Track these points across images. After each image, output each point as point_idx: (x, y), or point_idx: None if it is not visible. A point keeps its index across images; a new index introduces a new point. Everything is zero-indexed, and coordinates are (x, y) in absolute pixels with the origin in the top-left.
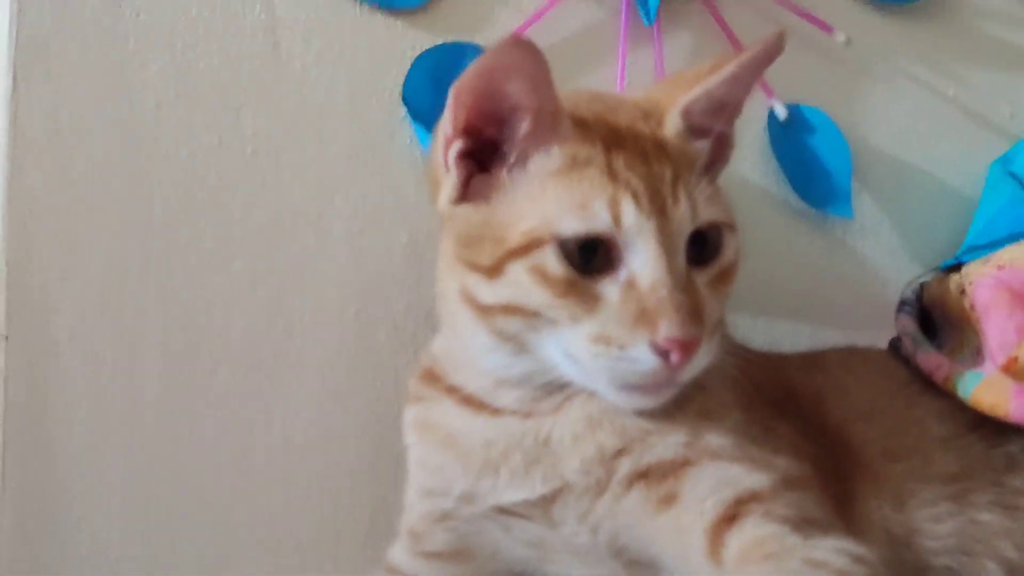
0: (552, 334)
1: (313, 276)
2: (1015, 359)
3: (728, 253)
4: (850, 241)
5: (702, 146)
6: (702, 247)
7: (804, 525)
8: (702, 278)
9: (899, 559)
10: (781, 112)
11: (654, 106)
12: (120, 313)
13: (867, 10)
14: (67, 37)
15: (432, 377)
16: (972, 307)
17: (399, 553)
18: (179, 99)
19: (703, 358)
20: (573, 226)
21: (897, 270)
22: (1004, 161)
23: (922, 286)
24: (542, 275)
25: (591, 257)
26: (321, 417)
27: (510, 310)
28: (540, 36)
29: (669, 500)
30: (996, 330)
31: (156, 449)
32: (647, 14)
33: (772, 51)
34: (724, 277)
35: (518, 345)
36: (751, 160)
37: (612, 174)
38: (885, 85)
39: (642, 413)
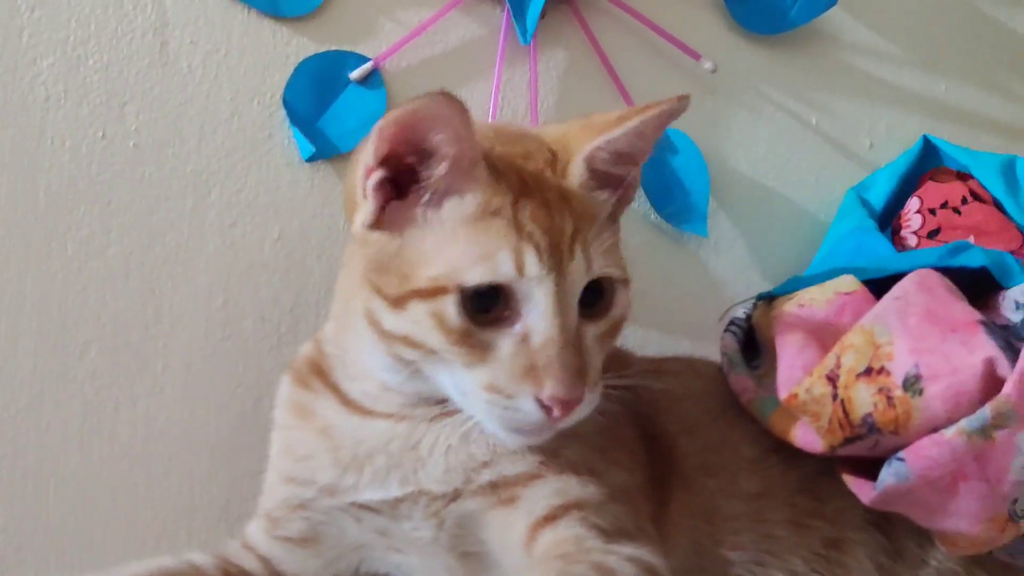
0: (446, 370)
1: (185, 265)
2: (795, 395)
3: (618, 308)
4: (703, 257)
5: (604, 196)
6: (595, 299)
7: (614, 534)
8: (592, 331)
9: (700, 567)
10: None
11: (563, 149)
12: (0, 292)
13: (736, 39)
14: None
15: (318, 370)
16: (774, 339)
17: (256, 532)
18: (68, 93)
19: (583, 411)
20: (476, 276)
21: (747, 287)
22: (860, 188)
23: (755, 305)
24: (440, 321)
25: (489, 306)
26: (184, 399)
27: (409, 342)
28: (421, 49)
29: (510, 501)
30: (785, 364)
31: (26, 424)
32: (524, 33)
33: (676, 111)
34: (612, 331)
35: (414, 370)
36: None
37: (518, 226)
38: (749, 112)
39: None
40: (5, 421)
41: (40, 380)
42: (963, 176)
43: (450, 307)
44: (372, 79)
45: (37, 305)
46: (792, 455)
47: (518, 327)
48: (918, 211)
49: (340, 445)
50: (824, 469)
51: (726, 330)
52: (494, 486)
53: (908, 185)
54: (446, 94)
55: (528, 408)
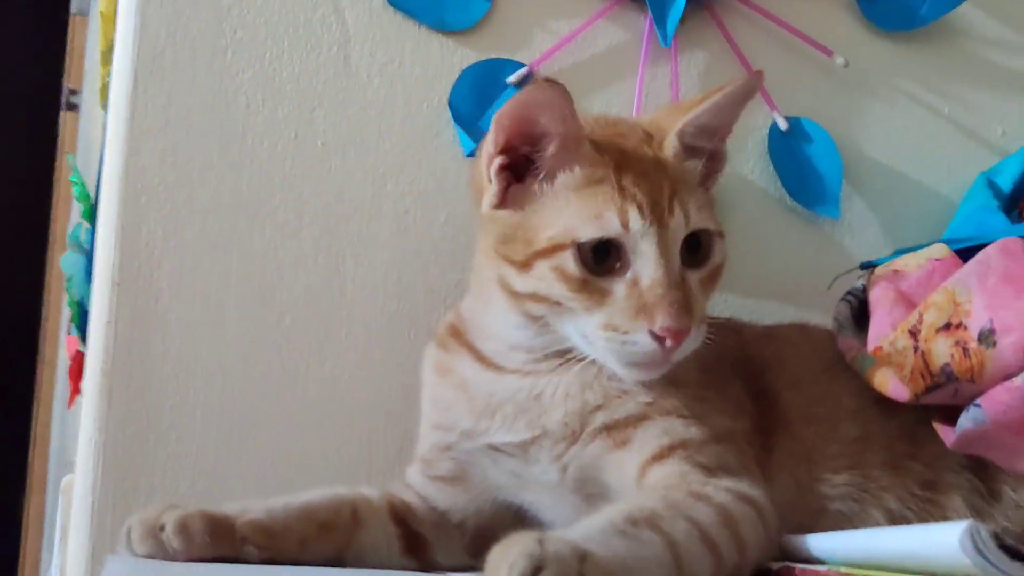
0: (571, 319)
1: (365, 246)
2: (880, 348)
3: (716, 257)
4: (837, 237)
5: (695, 164)
6: (695, 251)
7: (716, 470)
8: (694, 277)
9: (802, 502)
10: (782, 123)
11: (656, 130)
12: (210, 269)
13: (868, 36)
14: (178, 48)
15: (456, 332)
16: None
17: (414, 474)
18: (265, 101)
19: (692, 343)
20: (589, 232)
21: None
22: (991, 173)
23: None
24: (562, 273)
25: (603, 259)
26: (365, 362)
27: (537, 298)
28: (572, 54)
29: (623, 443)
30: (877, 323)
31: (232, 380)
32: (664, 36)
33: (751, 88)
34: (712, 277)
35: (542, 325)
36: (752, 163)
37: (621, 189)
38: (882, 103)
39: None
40: (215, 379)
41: (243, 343)
42: None
43: (568, 260)
44: (527, 83)
45: (241, 279)
46: (893, 407)
47: (629, 274)
48: None
49: (474, 396)
50: (923, 419)
51: (842, 299)
52: (607, 428)
53: None
54: (549, 80)
55: (643, 341)
